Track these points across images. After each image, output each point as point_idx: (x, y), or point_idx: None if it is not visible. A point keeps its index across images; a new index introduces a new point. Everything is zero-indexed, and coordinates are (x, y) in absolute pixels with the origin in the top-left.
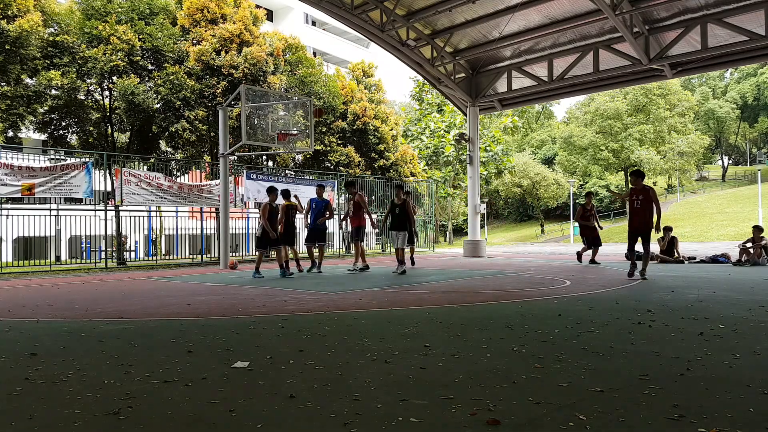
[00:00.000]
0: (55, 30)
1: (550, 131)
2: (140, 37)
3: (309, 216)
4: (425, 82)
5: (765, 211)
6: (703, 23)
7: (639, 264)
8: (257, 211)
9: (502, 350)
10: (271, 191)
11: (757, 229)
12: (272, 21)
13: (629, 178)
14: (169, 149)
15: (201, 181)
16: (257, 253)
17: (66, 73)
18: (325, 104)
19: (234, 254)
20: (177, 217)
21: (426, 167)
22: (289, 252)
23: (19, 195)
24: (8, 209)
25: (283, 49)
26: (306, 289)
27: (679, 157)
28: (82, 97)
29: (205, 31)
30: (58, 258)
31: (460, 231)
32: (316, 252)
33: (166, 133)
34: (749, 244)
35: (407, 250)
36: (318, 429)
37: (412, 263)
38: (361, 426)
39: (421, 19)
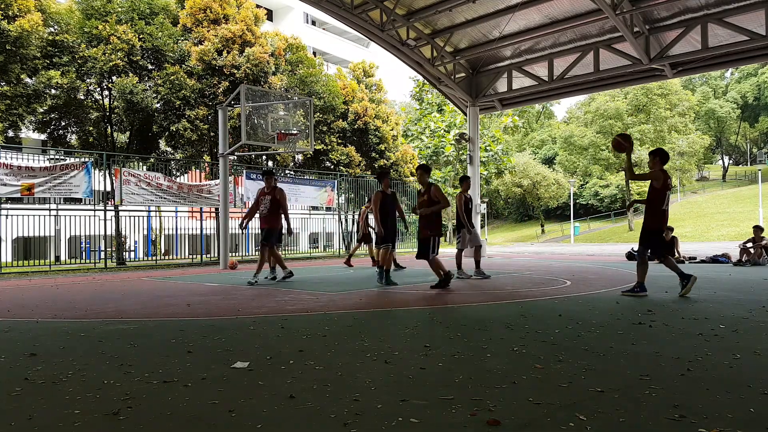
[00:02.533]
0: (55, 29)
1: (551, 131)
2: (140, 36)
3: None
4: (425, 81)
5: (765, 211)
6: (704, 23)
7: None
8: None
9: (502, 350)
10: (384, 176)
11: (758, 229)
12: (272, 21)
13: (653, 159)
14: (169, 149)
15: (201, 181)
16: (380, 252)
17: (65, 73)
18: (326, 104)
19: (234, 254)
20: (177, 217)
21: None
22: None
23: (18, 195)
24: (8, 209)
25: (284, 49)
26: (306, 289)
27: (679, 157)
28: (82, 97)
29: (208, 31)
30: (57, 258)
31: None
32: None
33: (167, 133)
34: (750, 244)
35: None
36: (318, 429)
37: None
38: (361, 426)
39: (421, 18)
